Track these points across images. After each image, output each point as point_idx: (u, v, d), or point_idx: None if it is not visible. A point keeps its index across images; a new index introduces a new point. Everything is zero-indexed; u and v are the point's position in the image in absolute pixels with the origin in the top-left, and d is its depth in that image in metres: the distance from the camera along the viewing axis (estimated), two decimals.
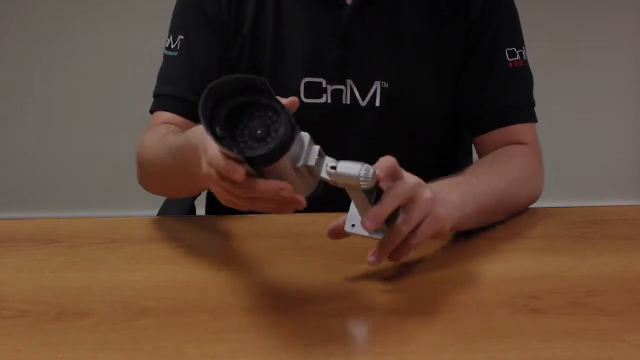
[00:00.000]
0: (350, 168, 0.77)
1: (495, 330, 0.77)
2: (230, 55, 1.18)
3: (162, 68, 1.22)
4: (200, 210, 1.36)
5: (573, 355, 0.73)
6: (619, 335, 0.76)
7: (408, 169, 0.88)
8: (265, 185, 0.74)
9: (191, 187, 1.08)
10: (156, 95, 1.21)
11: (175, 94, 1.17)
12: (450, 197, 0.91)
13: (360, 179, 0.77)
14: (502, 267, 0.93)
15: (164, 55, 1.22)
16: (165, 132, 1.06)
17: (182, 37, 1.19)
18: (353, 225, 0.86)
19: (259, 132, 0.73)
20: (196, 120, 1.16)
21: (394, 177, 0.83)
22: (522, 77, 1.20)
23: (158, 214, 1.31)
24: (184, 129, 1.06)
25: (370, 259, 0.84)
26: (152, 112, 1.21)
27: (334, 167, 0.77)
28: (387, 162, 0.82)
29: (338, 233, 0.88)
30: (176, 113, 1.17)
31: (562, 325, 0.78)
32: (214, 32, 1.18)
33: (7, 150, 2.86)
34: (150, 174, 1.10)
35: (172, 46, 1.20)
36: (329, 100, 1.16)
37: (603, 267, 0.93)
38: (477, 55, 1.17)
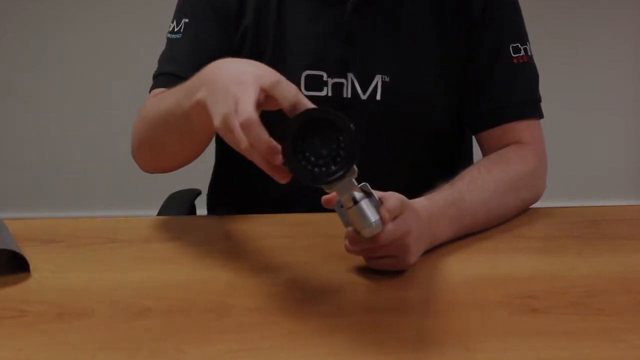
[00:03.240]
0: (366, 214, 0.81)
1: (495, 330, 0.77)
2: (232, 45, 1.18)
3: (164, 51, 1.21)
4: (200, 210, 1.36)
5: (573, 355, 0.73)
6: (619, 335, 0.76)
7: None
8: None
9: (191, 142, 1.04)
10: (157, 75, 1.19)
11: (179, 73, 1.12)
12: (434, 228, 0.94)
13: (366, 230, 0.82)
14: (502, 267, 0.93)
15: (167, 38, 1.20)
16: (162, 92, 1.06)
17: (186, 20, 1.18)
18: (342, 207, 0.87)
19: (323, 151, 0.77)
20: None
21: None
22: (527, 73, 1.19)
23: (158, 214, 1.30)
24: None
25: (346, 244, 0.88)
26: (151, 91, 1.18)
27: (355, 201, 0.81)
28: (394, 202, 0.85)
29: (330, 204, 0.89)
30: None
31: (562, 325, 0.78)
32: (219, 21, 1.17)
33: (7, 150, 2.86)
34: (149, 139, 1.07)
35: (176, 29, 1.18)
36: (330, 94, 1.16)
37: (603, 267, 0.93)
38: (481, 52, 1.17)
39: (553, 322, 0.78)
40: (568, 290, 0.85)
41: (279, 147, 0.78)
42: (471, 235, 1.00)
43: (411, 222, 0.88)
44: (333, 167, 0.77)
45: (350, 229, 0.86)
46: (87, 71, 2.78)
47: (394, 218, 0.85)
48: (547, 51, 2.64)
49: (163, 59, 1.20)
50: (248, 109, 0.79)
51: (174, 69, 1.16)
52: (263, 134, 0.78)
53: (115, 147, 2.75)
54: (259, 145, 0.78)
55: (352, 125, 0.77)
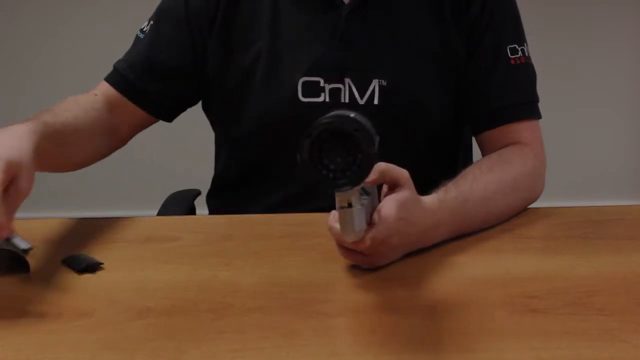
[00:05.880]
0: (354, 222, 0.80)
1: (495, 330, 0.77)
2: (217, 55, 1.19)
3: (130, 47, 1.26)
4: (200, 210, 1.36)
5: (573, 355, 0.73)
6: (619, 335, 0.76)
7: (408, 169, 0.88)
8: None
9: None
10: (115, 66, 1.24)
11: (127, 75, 1.21)
12: (432, 232, 0.95)
13: (348, 236, 0.82)
14: (502, 267, 0.93)
15: (136, 35, 1.25)
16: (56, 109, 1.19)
17: (152, 23, 1.23)
18: None
19: (338, 159, 0.75)
20: (130, 99, 1.20)
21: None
22: (525, 74, 1.19)
23: (158, 214, 1.31)
24: (115, 103, 1.20)
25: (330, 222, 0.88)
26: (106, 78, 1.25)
27: (350, 205, 0.79)
28: (383, 229, 0.85)
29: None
30: (117, 89, 1.21)
31: (562, 325, 0.78)
32: (187, 26, 1.19)
33: None
34: None
35: (145, 29, 1.24)
36: (328, 99, 1.16)
37: (603, 267, 0.93)
38: (479, 53, 1.17)
39: (553, 322, 0.78)
40: (568, 290, 0.85)
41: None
42: (471, 235, 1.00)
43: (394, 239, 0.88)
44: (342, 180, 0.75)
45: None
46: (88, 70, 2.77)
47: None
48: (547, 51, 2.64)
49: (125, 54, 1.25)
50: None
51: (125, 71, 1.22)
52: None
53: None
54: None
55: (376, 151, 0.75)
